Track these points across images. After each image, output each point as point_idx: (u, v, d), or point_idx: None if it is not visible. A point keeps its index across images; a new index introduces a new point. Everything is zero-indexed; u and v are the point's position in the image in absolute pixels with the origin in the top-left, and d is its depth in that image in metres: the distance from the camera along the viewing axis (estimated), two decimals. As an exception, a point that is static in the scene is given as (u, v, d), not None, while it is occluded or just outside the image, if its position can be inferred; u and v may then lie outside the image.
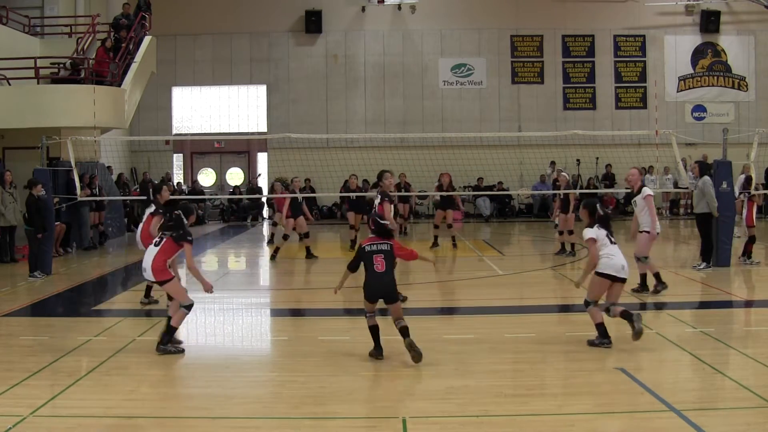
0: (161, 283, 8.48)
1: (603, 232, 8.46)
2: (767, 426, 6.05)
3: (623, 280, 8.44)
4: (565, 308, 11.03)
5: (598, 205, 8.69)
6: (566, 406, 6.51)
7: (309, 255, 16.35)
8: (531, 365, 7.90)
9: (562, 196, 16.33)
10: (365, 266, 8.12)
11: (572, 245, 16.12)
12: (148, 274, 8.44)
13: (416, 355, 7.72)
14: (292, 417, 6.39)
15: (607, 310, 8.45)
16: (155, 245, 8.46)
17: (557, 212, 16.63)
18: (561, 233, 16.36)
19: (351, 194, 18.46)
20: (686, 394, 6.82)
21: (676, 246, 19.39)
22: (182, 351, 8.39)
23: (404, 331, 7.90)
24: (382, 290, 8.04)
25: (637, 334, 8.22)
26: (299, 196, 16.62)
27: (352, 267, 8.25)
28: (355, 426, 6.20)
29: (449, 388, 6.99)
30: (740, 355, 8.04)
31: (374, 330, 8.09)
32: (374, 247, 8.14)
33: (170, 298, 8.94)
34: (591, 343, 8.40)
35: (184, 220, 8.51)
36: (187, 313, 8.40)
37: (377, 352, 8.04)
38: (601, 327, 8.38)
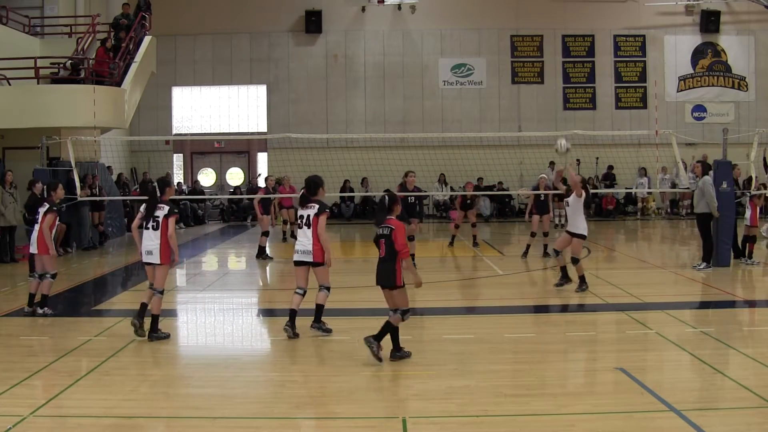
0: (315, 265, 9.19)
1: None
2: (767, 426, 6.05)
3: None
4: (565, 308, 11.03)
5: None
6: (566, 406, 6.51)
7: (260, 253, 16.53)
8: (531, 365, 7.90)
9: (542, 198, 16.27)
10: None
11: (545, 246, 16.04)
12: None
13: (374, 356, 7.76)
14: (292, 417, 6.40)
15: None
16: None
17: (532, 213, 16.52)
18: (533, 235, 16.33)
19: (409, 195, 14.90)
20: (686, 394, 6.82)
21: (677, 246, 19.40)
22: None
23: (385, 328, 7.76)
24: (378, 275, 7.94)
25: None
26: (271, 196, 16.75)
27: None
28: (355, 426, 6.20)
29: (449, 388, 6.99)
30: (740, 355, 8.04)
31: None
32: (380, 231, 7.93)
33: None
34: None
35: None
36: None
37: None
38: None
